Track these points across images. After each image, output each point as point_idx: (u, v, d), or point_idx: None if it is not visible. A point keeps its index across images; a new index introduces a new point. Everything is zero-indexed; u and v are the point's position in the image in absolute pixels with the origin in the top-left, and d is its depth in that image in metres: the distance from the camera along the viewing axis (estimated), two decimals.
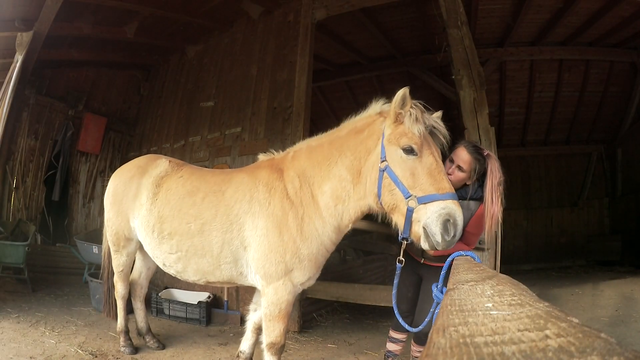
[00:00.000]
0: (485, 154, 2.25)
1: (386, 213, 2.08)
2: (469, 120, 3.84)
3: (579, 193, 9.26)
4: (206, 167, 5.21)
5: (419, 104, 1.98)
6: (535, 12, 5.94)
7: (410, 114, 1.93)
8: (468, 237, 2.37)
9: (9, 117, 4.81)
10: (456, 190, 2.32)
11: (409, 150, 1.91)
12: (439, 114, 2.19)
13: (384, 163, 1.97)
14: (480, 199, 2.29)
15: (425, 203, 1.83)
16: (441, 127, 2.03)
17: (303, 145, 2.45)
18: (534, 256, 8.98)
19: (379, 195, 2.01)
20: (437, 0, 4.27)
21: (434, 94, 7.65)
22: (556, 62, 7.35)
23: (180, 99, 6.28)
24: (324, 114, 8.37)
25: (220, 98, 5.58)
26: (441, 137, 2.02)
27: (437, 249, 1.84)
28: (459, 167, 2.24)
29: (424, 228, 1.83)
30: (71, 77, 6.51)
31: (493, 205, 2.13)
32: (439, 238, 1.79)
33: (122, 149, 7.15)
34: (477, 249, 3.18)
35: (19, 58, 4.73)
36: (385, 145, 1.99)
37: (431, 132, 2.01)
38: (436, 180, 1.87)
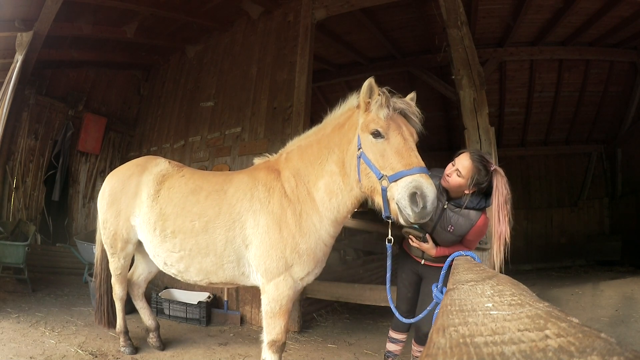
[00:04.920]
0: (492, 168, 2.17)
1: (370, 198, 2.14)
2: (469, 120, 3.84)
3: (579, 193, 9.26)
4: (206, 167, 5.23)
5: (385, 91, 2.03)
6: (535, 12, 5.94)
7: (376, 101, 2.01)
8: (467, 244, 2.36)
9: (9, 117, 4.81)
10: (455, 198, 2.30)
11: (376, 134, 1.99)
12: (411, 95, 2.20)
13: (360, 150, 2.07)
14: (481, 209, 2.26)
15: (395, 180, 1.89)
16: (411, 107, 2.08)
17: (294, 146, 2.53)
18: (534, 256, 8.97)
19: (359, 180, 2.11)
20: (437, 0, 4.27)
21: (434, 94, 7.65)
22: (556, 62, 7.35)
23: (180, 99, 6.28)
24: (324, 114, 8.35)
25: (220, 98, 5.58)
26: (414, 117, 2.06)
27: (410, 221, 1.87)
28: (458, 172, 2.21)
29: (397, 204, 1.89)
30: (71, 77, 6.51)
31: (500, 225, 2.07)
32: (409, 211, 1.84)
33: (122, 149, 7.15)
34: (477, 249, 3.18)
35: (19, 58, 4.72)
36: (359, 134, 2.09)
37: (404, 114, 2.06)
38: (403, 157, 1.92)
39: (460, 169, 2.20)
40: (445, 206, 2.32)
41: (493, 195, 2.14)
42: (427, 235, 2.33)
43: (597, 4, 5.68)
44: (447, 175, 2.27)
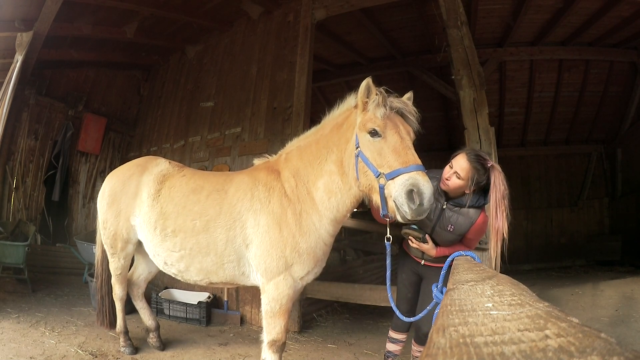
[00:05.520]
0: (488, 165, 2.17)
1: (368, 197, 2.16)
2: (469, 120, 3.84)
3: (579, 193, 9.26)
4: (206, 167, 5.23)
5: (382, 90, 2.06)
6: (535, 12, 5.94)
7: (373, 100, 2.03)
8: (468, 242, 2.35)
9: (9, 118, 4.80)
10: (454, 197, 2.30)
11: (374, 133, 2.01)
12: (408, 95, 2.22)
13: (358, 149, 2.09)
14: (481, 207, 2.26)
15: (392, 178, 1.91)
16: (408, 106, 2.10)
17: (293, 146, 2.55)
18: (534, 256, 8.97)
19: (357, 179, 2.13)
20: (436, 0, 4.27)
21: (434, 94, 7.66)
22: (556, 62, 7.35)
23: (180, 99, 6.28)
24: (324, 114, 8.35)
25: (220, 98, 5.58)
26: (411, 117, 2.09)
27: (408, 218, 1.89)
28: (457, 174, 2.20)
29: (394, 201, 1.90)
30: (71, 77, 6.51)
31: (497, 221, 2.08)
32: (406, 208, 1.86)
33: (122, 149, 7.15)
34: (477, 248, 3.18)
35: (18, 58, 4.72)
36: (357, 133, 2.11)
37: (401, 113, 2.08)
38: (400, 155, 1.94)
39: (458, 171, 2.19)
40: (444, 206, 2.32)
41: (491, 191, 2.14)
42: (426, 235, 2.33)
43: (596, 4, 5.68)
44: (447, 179, 2.25)
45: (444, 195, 2.33)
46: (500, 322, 0.52)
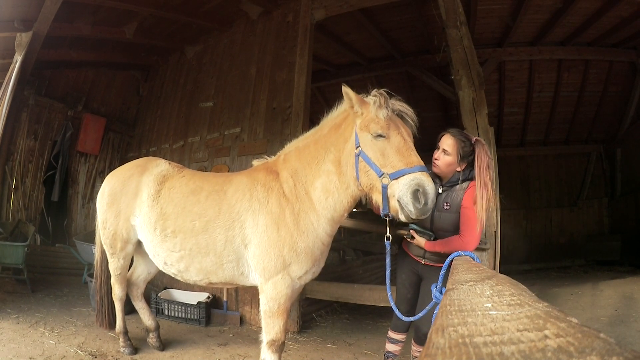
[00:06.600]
0: (473, 140, 2.33)
1: (368, 196, 2.20)
2: (468, 120, 3.84)
3: (579, 193, 9.27)
4: (205, 167, 5.23)
5: (382, 92, 2.10)
6: (535, 12, 5.94)
7: (374, 102, 2.07)
8: (464, 214, 2.33)
9: (8, 118, 4.80)
10: (448, 178, 2.39)
11: (377, 133, 2.04)
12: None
13: (358, 149, 2.12)
14: (472, 178, 2.35)
15: (396, 178, 1.95)
16: (408, 110, 2.16)
17: (292, 147, 2.57)
18: (533, 256, 8.98)
19: (357, 178, 2.15)
20: (436, 0, 4.27)
21: (433, 94, 7.65)
22: (555, 62, 7.35)
23: (179, 100, 6.28)
24: (323, 115, 8.33)
25: (219, 98, 5.57)
26: (409, 119, 2.15)
27: (412, 217, 1.93)
28: (444, 151, 2.34)
29: (398, 201, 1.94)
30: (70, 77, 6.50)
31: (482, 187, 2.22)
32: (411, 207, 1.90)
33: (121, 149, 7.14)
34: (477, 249, 3.18)
35: (18, 59, 4.72)
36: (357, 132, 2.14)
37: (401, 116, 2.14)
38: (404, 156, 1.98)
39: (445, 147, 2.34)
40: (440, 191, 2.39)
41: (475, 161, 2.28)
42: (411, 231, 2.42)
43: (596, 4, 5.68)
44: (436, 159, 2.37)
45: (439, 180, 2.42)
46: (500, 322, 0.52)
